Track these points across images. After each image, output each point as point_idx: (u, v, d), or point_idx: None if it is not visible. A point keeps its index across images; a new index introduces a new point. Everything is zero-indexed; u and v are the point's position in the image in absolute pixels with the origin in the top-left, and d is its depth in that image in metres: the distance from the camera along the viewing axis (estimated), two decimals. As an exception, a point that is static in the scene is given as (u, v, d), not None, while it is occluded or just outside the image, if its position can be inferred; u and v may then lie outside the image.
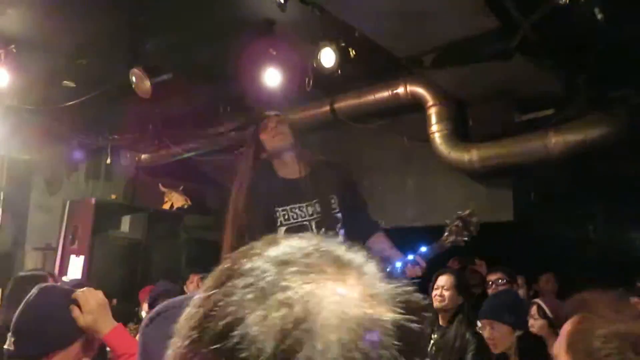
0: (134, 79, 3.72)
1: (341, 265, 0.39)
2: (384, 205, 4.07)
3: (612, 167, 3.66)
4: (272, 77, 3.65)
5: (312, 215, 2.14)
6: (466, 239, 2.16)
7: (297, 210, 2.14)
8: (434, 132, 3.80)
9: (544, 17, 2.71)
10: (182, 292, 3.50)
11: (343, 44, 3.17)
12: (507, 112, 3.45)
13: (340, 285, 0.37)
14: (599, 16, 2.46)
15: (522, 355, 2.20)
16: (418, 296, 0.40)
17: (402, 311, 0.37)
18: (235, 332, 0.36)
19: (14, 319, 1.53)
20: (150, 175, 5.89)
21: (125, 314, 4.30)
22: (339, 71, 3.20)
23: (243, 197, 2.09)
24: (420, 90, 3.82)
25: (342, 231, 2.18)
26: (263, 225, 2.08)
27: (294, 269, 0.38)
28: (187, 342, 0.39)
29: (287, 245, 0.41)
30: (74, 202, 4.69)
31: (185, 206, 6.03)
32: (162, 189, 6.05)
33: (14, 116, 4.62)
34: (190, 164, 5.60)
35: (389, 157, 4.35)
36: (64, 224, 4.57)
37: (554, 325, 2.28)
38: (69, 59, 4.02)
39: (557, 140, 3.27)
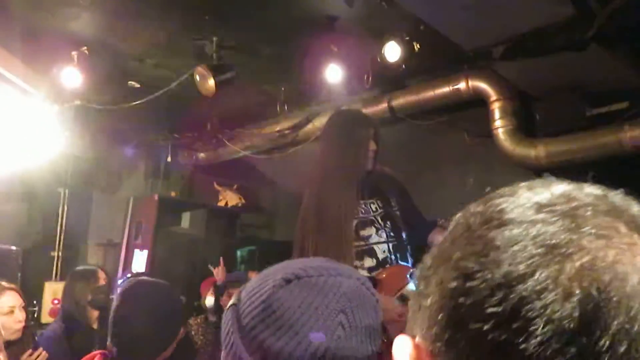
0: (198, 77, 3.82)
1: (637, 227, 0.35)
2: (444, 203, 3.99)
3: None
4: (333, 74, 3.66)
5: (375, 211, 2.20)
6: None
7: (364, 206, 2.20)
8: (497, 128, 3.71)
9: (622, 5, 2.61)
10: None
11: (407, 38, 3.15)
12: (577, 106, 3.34)
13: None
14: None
15: None
16: None
17: None
18: (519, 288, 0.33)
19: (111, 327, 1.49)
20: (207, 173, 6.02)
21: (186, 307, 4.41)
22: (403, 65, 3.18)
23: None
24: (482, 85, 3.75)
25: (404, 227, 2.23)
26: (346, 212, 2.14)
27: (590, 228, 0.34)
28: (447, 285, 0.36)
29: (564, 194, 0.37)
30: (138, 198, 4.85)
31: (240, 205, 6.12)
32: (217, 187, 6.18)
33: (81, 115, 4.83)
34: (245, 163, 5.70)
35: (448, 154, 4.29)
36: (128, 220, 4.73)
37: None
38: (135, 60, 4.18)
39: (632, 135, 3.14)
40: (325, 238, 2.10)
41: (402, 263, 2.11)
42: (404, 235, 2.21)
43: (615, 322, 0.31)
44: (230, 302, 0.75)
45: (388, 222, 2.20)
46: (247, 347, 0.69)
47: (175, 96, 4.45)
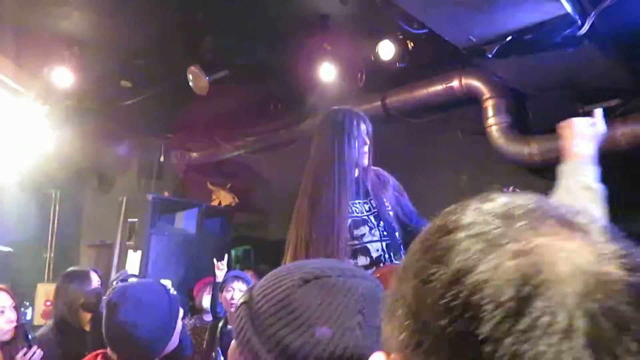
0: (191, 76, 3.80)
1: (566, 223, 0.39)
2: (438, 202, 3.99)
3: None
4: (326, 73, 3.66)
5: (369, 210, 2.20)
6: None
7: (357, 205, 2.20)
8: (490, 126, 3.73)
9: (613, 4, 2.63)
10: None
11: (401, 37, 3.15)
12: (570, 104, 3.36)
13: (569, 242, 0.37)
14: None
15: None
16: None
17: (631, 270, 0.36)
18: (467, 281, 0.36)
19: (107, 335, 1.48)
20: (200, 173, 6.00)
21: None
22: (397, 64, 3.18)
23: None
24: (476, 83, 3.76)
25: (397, 226, 2.23)
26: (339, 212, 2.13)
27: (522, 223, 0.39)
28: (410, 292, 0.40)
29: (504, 202, 0.42)
30: (131, 198, 4.82)
31: (233, 204, 6.10)
32: (210, 187, 6.15)
33: (72, 115, 4.79)
34: (239, 162, 5.68)
35: (442, 152, 4.29)
36: (121, 220, 4.70)
37: None
38: (127, 59, 4.14)
39: (624, 132, 3.16)
40: (319, 234, 2.10)
41: (396, 262, 2.11)
42: (397, 235, 2.21)
43: (553, 299, 0.34)
44: (241, 300, 0.76)
45: (381, 222, 2.20)
46: (264, 345, 0.69)
47: (168, 96, 4.43)
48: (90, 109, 4.63)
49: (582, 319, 0.33)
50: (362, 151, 2.22)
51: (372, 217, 2.19)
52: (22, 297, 4.45)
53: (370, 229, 2.17)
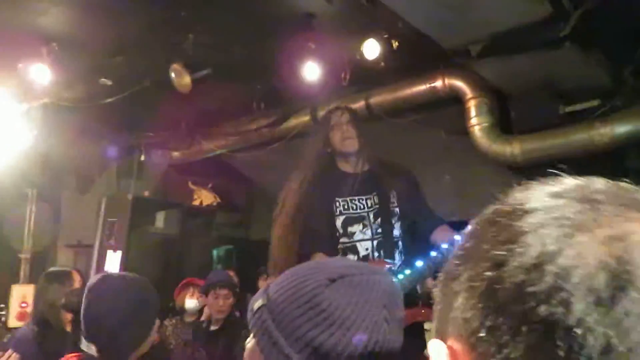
0: (173, 75, 3.75)
1: None
2: (420, 200, 4.03)
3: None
4: (310, 71, 3.65)
5: (370, 207, 2.21)
6: None
7: (356, 202, 2.20)
8: (473, 125, 3.76)
9: (595, 7, 2.68)
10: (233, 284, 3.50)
11: (386, 36, 3.16)
12: (551, 104, 3.41)
13: None
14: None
15: None
16: None
17: None
18: (551, 266, 0.35)
19: (85, 325, 1.47)
20: (181, 172, 5.93)
21: (161, 308, 4.33)
22: (382, 63, 3.18)
23: (305, 188, 2.14)
24: (458, 83, 3.79)
25: (397, 224, 2.23)
26: (322, 216, 2.12)
27: (608, 207, 0.38)
28: (479, 276, 0.38)
29: (578, 185, 0.41)
30: (111, 198, 4.74)
31: (215, 203, 6.05)
32: (192, 186, 6.09)
33: (50, 113, 4.68)
34: (220, 162, 5.63)
35: (425, 151, 4.31)
36: (101, 220, 4.61)
37: None
38: (107, 57, 4.06)
39: (604, 132, 3.22)
40: (308, 233, 2.09)
41: (387, 260, 2.11)
42: (395, 232, 2.21)
43: None
44: (258, 303, 0.76)
45: (379, 219, 2.19)
46: (293, 346, 0.70)
47: (149, 94, 4.36)
48: (69, 106, 4.53)
49: None
50: (343, 136, 2.22)
51: (371, 215, 2.20)
52: (-4, 299, 4.34)
53: (364, 226, 2.17)
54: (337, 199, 2.16)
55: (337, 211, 2.15)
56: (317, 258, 1.95)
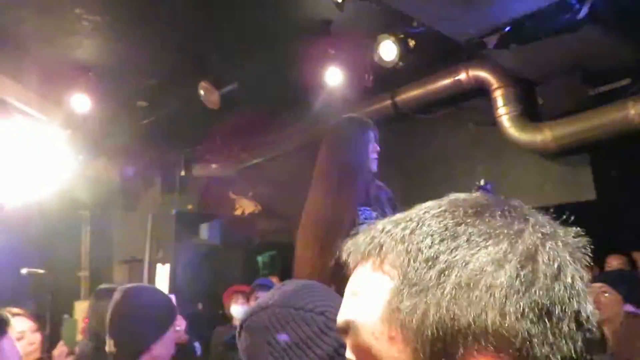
0: (202, 92, 3.90)
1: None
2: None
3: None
4: (333, 77, 3.70)
5: (376, 218, 2.24)
6: None
7: (367, 212, 2.24)
8: (501, 115, 3.71)
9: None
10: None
11: (402, 36, 3.17)
12: (580, 87, 3.32)
13: None
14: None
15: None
16: None
17: None
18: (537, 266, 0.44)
19: (108, 323, 1.64)
20: (221, 184, 6.11)
21: (211, 317, 4.50)
22: (400, 63, 3.20)
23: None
24: (483, 74, 3.75)
25: None
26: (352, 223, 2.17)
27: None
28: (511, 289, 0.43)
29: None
30: (157, 215, 4.96)
31: (256, 211, 6.20)
32: (232, 196, 6.26)
33: (93, 138, 4.96)
34: (258, 170, 5.77)
35: (455, 145, 4.29)
36: (149, 236, 4.83)
37: None
38: (140, 80, 4.27)
39: (637, 110, 3.11)
40: (333, 242, 2.14)
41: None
42: None
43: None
44: None
45: None
46: None
47: (183, 111, 4.55)
48: (110, 130, 4.78)
49: None
50: (372, 156, 2.27)
51: None
52: (61, 316, 4.64)
53: None
54: (359, 207, 2.21)
55: (358, 220, 2.20)
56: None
